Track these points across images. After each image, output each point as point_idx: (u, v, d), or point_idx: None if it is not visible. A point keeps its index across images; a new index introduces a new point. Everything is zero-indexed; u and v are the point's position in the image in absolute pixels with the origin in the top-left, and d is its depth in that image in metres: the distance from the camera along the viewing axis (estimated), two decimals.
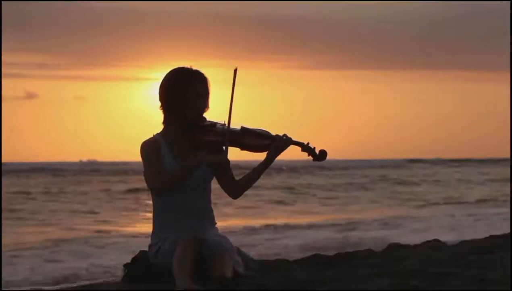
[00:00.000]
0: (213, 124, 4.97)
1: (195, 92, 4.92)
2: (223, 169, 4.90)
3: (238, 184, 5.05)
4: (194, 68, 4.98)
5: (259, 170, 5.02)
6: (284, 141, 4.99)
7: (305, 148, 5.05)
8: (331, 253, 5.71)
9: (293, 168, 58.32)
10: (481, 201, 29.25)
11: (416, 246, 5.89)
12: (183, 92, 4.90)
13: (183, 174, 4.82)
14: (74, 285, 5.24)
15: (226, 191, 5.08)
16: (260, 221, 21.66)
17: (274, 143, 4.98)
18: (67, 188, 38.14)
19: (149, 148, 4.91)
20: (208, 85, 4.98)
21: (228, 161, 4.88)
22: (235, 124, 4.95)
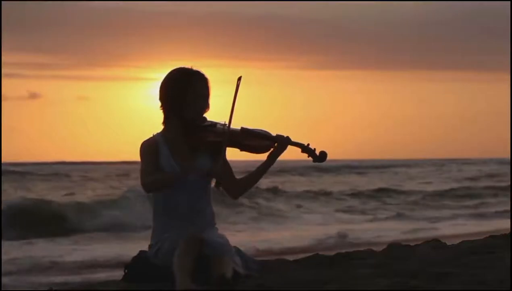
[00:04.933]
0: (213, 125, 4.96)
1: (195, 92, 4.92)
2: (217, 177, 4.89)
3: (240, 184, 5.05)
4: (194, 68, 4.98)
5: (260, 171, 5.02)
6: (285, 142, 4.99)
7: (305, 149, 5.04)
8: (331, 253, 5.71)
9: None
10: None
11: (416, 246, 5.89)
12: (183, 92, 4.91)
13: (169, 180, 4.83)
14: (75, 285, 5.24)
15: (226, 191, 5.07)
16: None
17: (276, 144, 4.98)
18: None
19: (146, 148, 4.91)
20: (209, 85, 4.98)
21: (220, 170, 4.86)
22: (235, 125, 4.95)
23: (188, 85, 4.92)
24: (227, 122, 4.91)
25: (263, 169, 5.02)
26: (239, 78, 4.94)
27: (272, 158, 5.00)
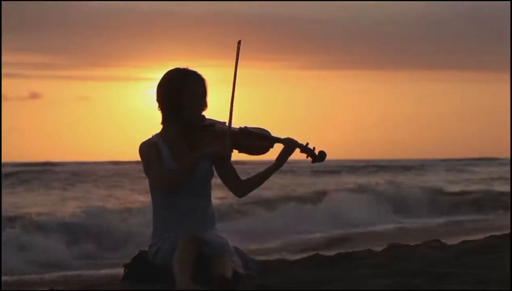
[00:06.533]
0: (212, 124, 4.94)
1: (191, 92, 4.91)
2: (223, 159, 4.90)
3: (245, 183, 5.04)
4: (190, 68, 4.97)
5: (268, 172, 5.01)
6: (291, 143, 4.97)
7: (304, 149, 5.02)
8: (331, 253, 5.71)
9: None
10: None
11: (416, 246, 5.89)
12: (179, 94, 4.89)
13: (185, 170, 4.81)
14: (74, 285, 5.24)
15: (230, 189, 5.07)
16: None
17: (285, 147, 4.96)
18: None
19: (149, 152, 4.89)
20: (205, 85, 4.96)
21: (230, 151, 4.88)
22: (234, 124, 4.93)
23: (184, 86, 4.91)
24: (226, 121, 4.90)
25: (271, 170, 5.01)
26: (239, 42, 4.89)
27: (282, 160, 4.98)
